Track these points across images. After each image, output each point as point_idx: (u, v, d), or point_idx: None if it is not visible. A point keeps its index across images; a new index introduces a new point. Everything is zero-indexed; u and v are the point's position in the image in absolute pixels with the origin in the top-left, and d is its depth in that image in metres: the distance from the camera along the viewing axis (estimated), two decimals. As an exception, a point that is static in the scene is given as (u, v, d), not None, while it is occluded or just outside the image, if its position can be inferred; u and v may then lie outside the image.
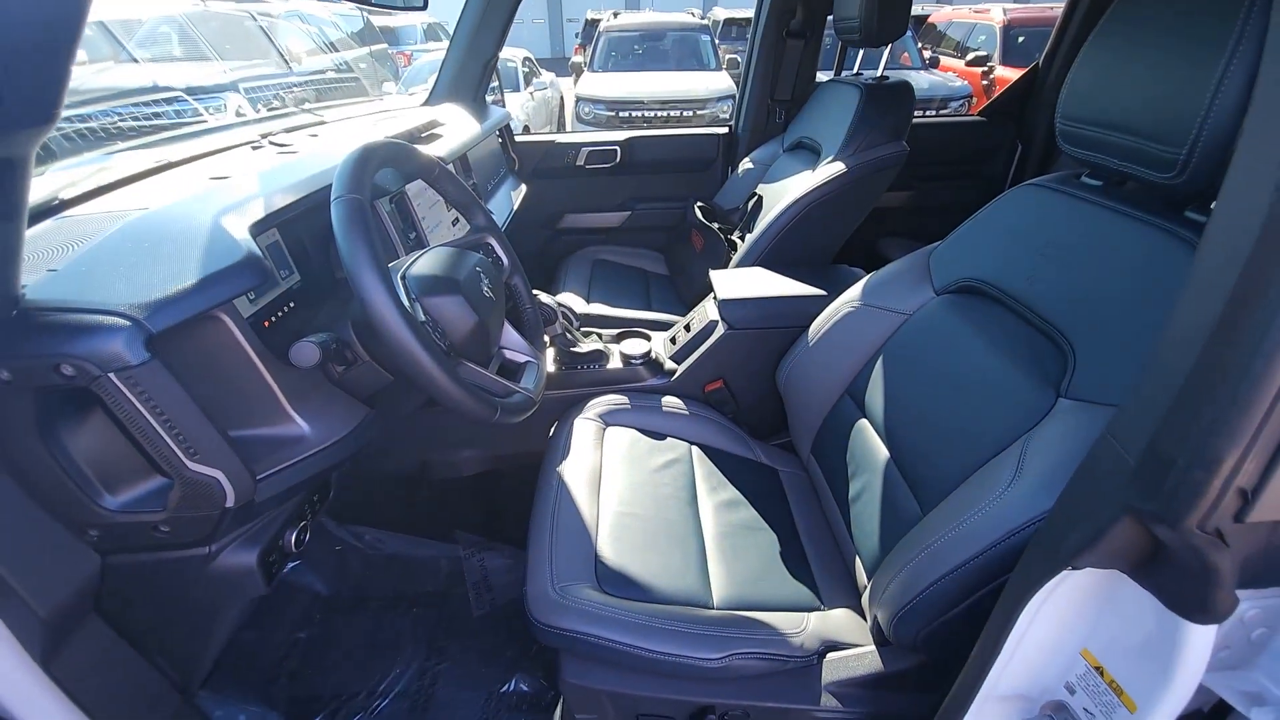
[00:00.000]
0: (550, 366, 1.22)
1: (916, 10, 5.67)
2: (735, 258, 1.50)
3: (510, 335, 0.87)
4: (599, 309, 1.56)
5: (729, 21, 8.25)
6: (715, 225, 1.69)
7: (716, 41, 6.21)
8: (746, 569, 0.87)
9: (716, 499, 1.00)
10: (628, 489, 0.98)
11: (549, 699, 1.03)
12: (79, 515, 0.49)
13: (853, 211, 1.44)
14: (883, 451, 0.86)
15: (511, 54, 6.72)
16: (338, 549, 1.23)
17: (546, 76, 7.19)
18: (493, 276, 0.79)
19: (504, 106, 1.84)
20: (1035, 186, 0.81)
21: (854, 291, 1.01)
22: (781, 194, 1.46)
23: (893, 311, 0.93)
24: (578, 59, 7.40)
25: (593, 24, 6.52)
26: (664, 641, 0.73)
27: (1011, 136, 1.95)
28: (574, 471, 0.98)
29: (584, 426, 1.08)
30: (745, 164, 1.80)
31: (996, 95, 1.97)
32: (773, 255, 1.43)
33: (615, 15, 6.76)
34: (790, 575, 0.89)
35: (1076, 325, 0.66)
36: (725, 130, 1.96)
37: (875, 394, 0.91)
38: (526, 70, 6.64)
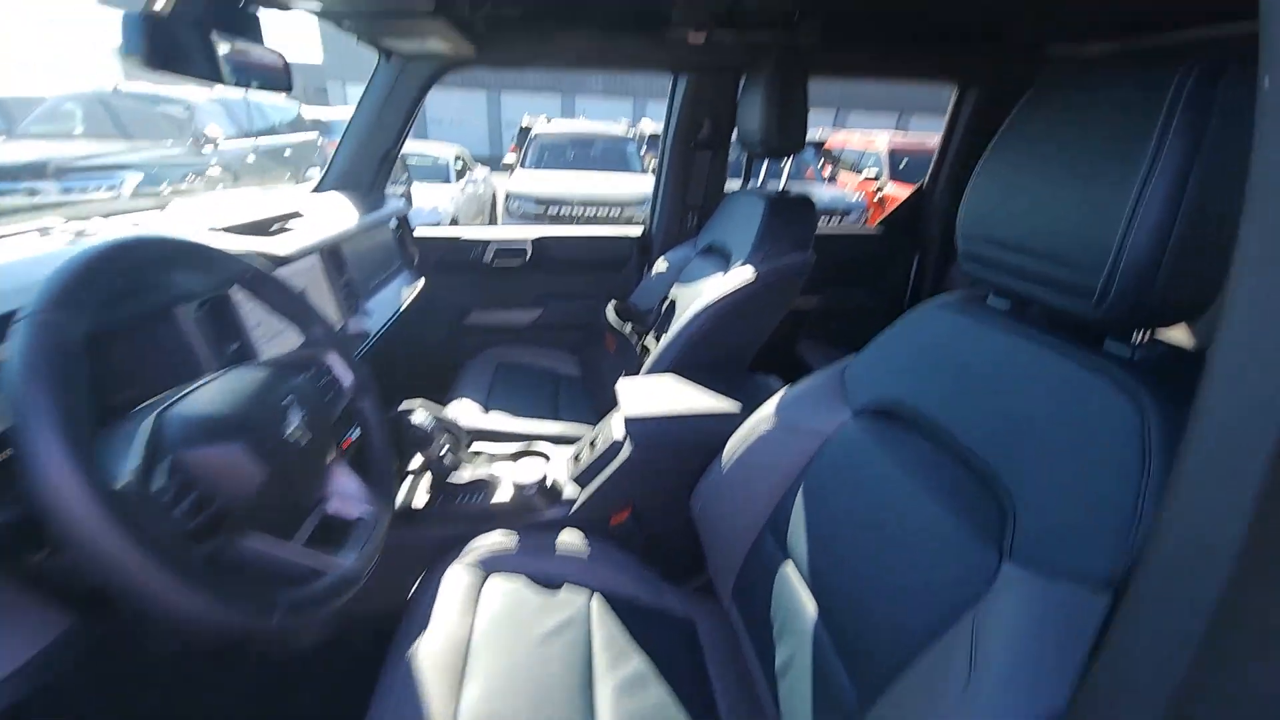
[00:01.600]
0: (420, 500, 1.02)
1: (814, 135, 6.42)
2: (647, 363, 1.40)
3: (343, 481, 0.67)
4: (496, 420, 1.39)
5: (654, 136, 8.97)
6: (630, 326, 1.60)
7: (643, 151, 6.64)
8: None
9: (618, 675, 0.80)
10: (502, 674, 0.76)
11: None
12: None
13: (765, 316, 1.40)
14: (810, 607, 0.71)
15: (445, 150, 6.88)
16: None
17: (480, 172, 7.37)
18: (314, 406, 0.61)
19: (408, 199, 1.73)
20: (941, 307, 0.75)
21: (769, 408, 0.91)
22: (695, 296, 1.40)
23: (810, 431, 0.83)
24: (511, 158, 7.68)
25: (526, 130, 6.85)
26: None
27: (907, 247, 2.06)
28: (432, 649, 0.76)
29: (457, 578, 0.87)
30: (660, 264, 1.76)
31: (891, 210, 2.10)
32: (686, 361, 1.34)
33: (549, 120, 7.15)
34: None
35: (1009, 468, 0.57)
36: (640, 232, 1.95)
37: (797, 531, 0.78)
38: (459, 166, 6.78)
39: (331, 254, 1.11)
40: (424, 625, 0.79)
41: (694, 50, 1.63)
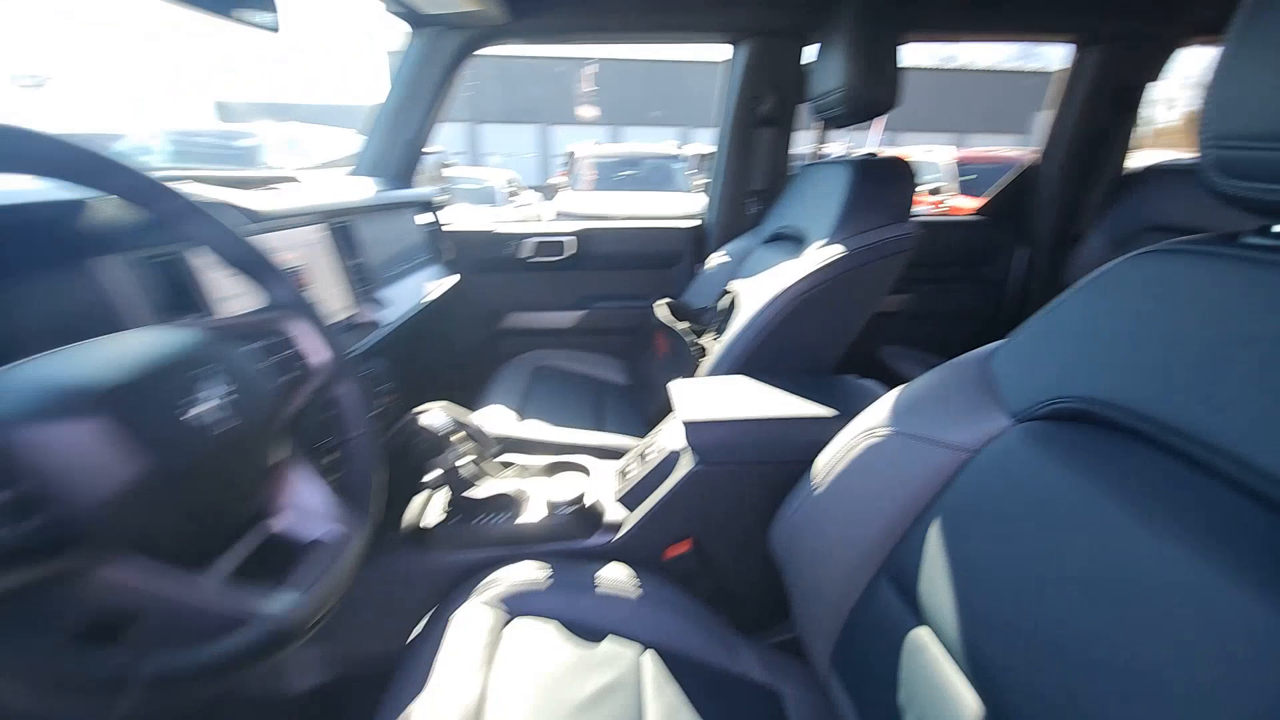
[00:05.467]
0: (433, 518, 0.82)
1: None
2: (705, 365, 1.17)
3: (305, 492, 0.48)
4: (531, 429, 1.19)
5: (704, 156, 8.90)
6: (684, 325, 1.39)
7: (691, 171, 6.54)
8: None
9: None
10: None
11: None
12: None
13: (854, 308, 1.15)
14: (970, 703, 0.46)
15: (496, 175, 7.02)
16: None
17: (529, 196, 7.48)
18: (248, 383, 0.43)
19: (432, 189, 1.61)
20: (1152, 258, 0.50)
21: (880, 412, 0.66)
22: (761, 288, 1.17)
23: (945, 444, 0.57)
24: (559, 180, 7.75)
25: (573, 154, 6.90)
26: None
27: (1011, 236, 1.76)
28: (434, 711, 0.55)
29: (472, 620, 0.68)
30: (717, 258, 1.55)
31: (995, 193, 1.82)
32: (754, 362, 1.11)
33: (596, 144, 7.17)
34: None
35: None
36: (694, 224, 1.74)
37: (935, 583, 0.52)
38: (510, 190, 6.89)
39: (341, 231, 0.96)
40: (425, 677, 0.60)
41: (755, 12, 1.44)
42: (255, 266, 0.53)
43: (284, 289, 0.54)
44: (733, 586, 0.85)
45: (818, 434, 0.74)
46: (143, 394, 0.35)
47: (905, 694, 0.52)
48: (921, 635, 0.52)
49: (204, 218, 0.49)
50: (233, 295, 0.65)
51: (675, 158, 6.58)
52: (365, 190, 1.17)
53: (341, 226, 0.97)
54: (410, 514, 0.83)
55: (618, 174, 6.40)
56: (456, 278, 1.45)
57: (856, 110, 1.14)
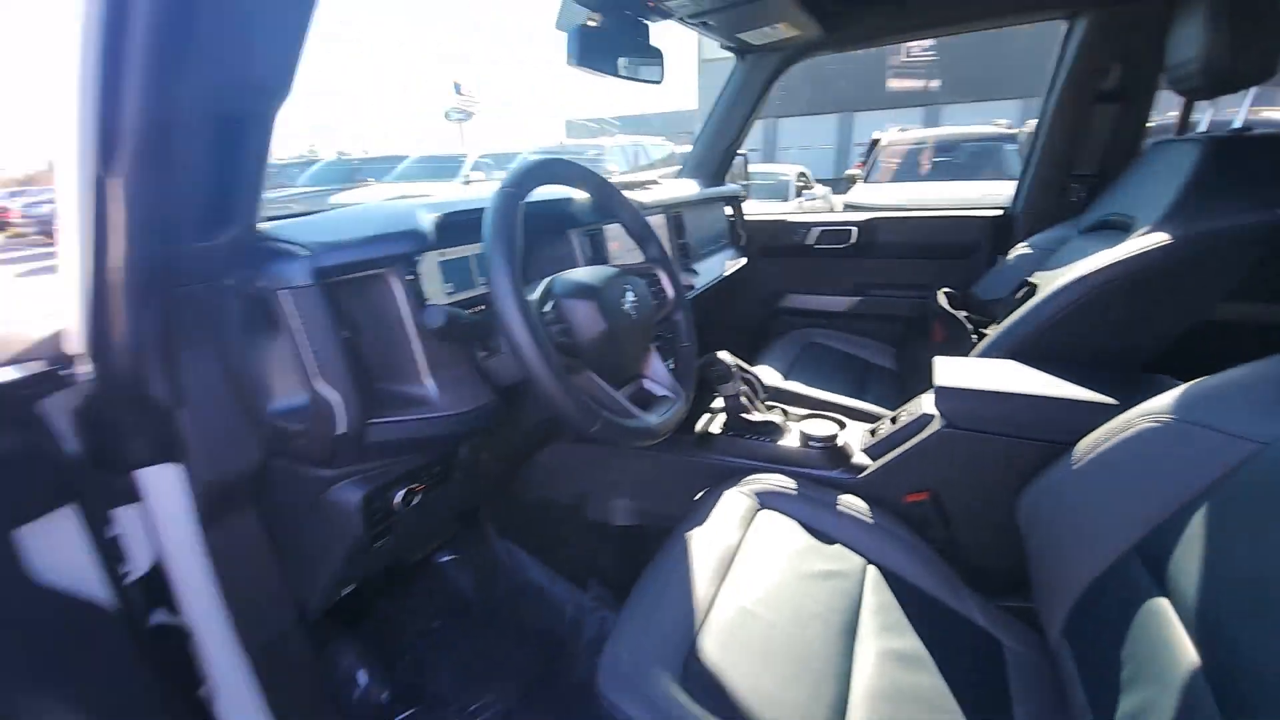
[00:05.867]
0: (715, 428, 1.11)
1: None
2: (979, 348, 1.18)
3: (657, 368, 0.81)
4: (796, 387, 1.39)
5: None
6: (964, 314, 1.38)
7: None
8: None
9: (886, 643, 0.73)
10: (763, 582, 0.78)
11: None
12: (252, 411, 0.58)
13: (1179, 304, 1.00)
14: (1187, 652, 0.50)
15: (788, 169, 7.20)
16: (491, 560, 1.27)
17: (819, 190, 7.44)
18: (642, 300, 0.76)
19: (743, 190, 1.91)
20: None
21: (1162, 400, 0.66)
22: (1062, 278, 1.11)
23: (1232, 435, 0.57)
24: (854, 172, 7.49)
25: (875, 142, 6.56)
26: None
27: None
28: (704, 543, 0.82)
29: (734, 500, 0.92)
30: (1020, 249, 1.46)
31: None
32: (1040, 350, 1.05)
33: (901, 130, 6.68)
34: None
35: None
36: (998, 212, 1.65)
37: (1189, 561, 0.54)
38: (801, 184, 6.99)
39: (675, 219, 1.33)
40: (699, 524, 0.86)
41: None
42: (644, 237, 0.87)
43: (657, 250, 0.87)
44: (965, 543, 0.92)
45: (1083, 418, 0.75)
46: (605, 293, 0.70)
47: (1134, 667, 0.56)
48: (1158, 604, 0.55)
49: (629, 207, 0.85)
50: (627, 251, 1.04)
51: (1007, 138, 5.63)
52: (690, 189, 1.53)
53: (676, 215, 1.33)
54: (700, 423, 1.14)
55: (929, 162, 5.85)
56: (744, 260, 1.73)
57: (1218, 80, 0.98)
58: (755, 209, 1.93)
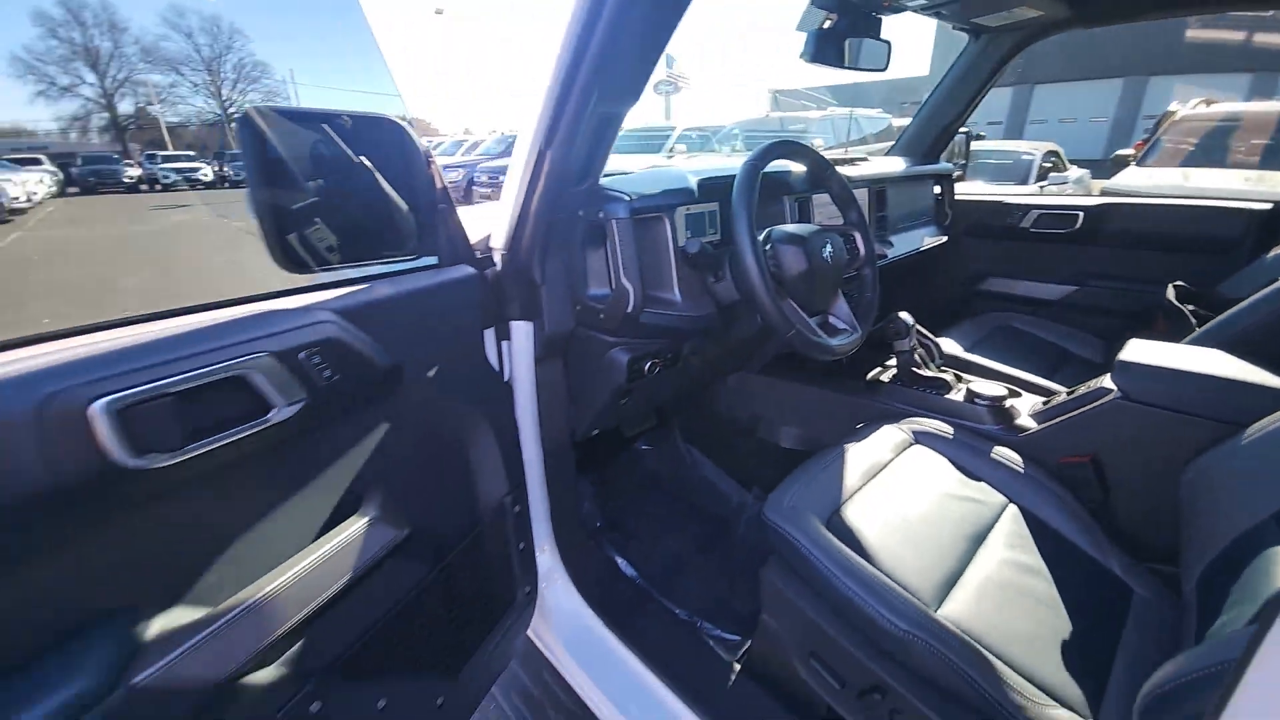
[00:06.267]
0: (885, 378, 1.28)
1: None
2: (1190, 336, 1.15)
3: (841, 307, 1.03)
4: (976, 359, 1.46)
5: None
6: (1190, 309, 1.30)
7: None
8: (1002, 619, 0.75)
9: (1011, 555, 0.86)
10: (904, 488, 0.95)
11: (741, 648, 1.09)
12: (577, 294, 0.95)
13: None
14: None
15: (1034, 147, 6.24)
16: (677, 454, 1.62)
17: (1074, 173, 6.34)
18: (838, 253, 0.98)
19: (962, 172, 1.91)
20: None
21: None
22: None
23: None
24: (1127, 153, 6.22)
25: (1168, 114, 5.35)
26: (863, 587, 0.75)
27: None
28: (858, 453, 1.03)
29: (891, 432, 1.09)
30: None
31: None
32: (1264, 342, 1.00)
33: (1207, 104, 5.34)
34: (1062, 664, 0.72)
35: None
36: (1267, 206, 1.45)
37: None
38: (1049, 165, 6.04)
39: (878, 194, 1.47)
40: (856, 439, 1.07)
41: None
42: (847, 204, 1.08)
43: (856, 215, 1.08)
44: (1120, 508, 0.98)
45: (1259, 401, 0.79)
46: (810, 242, 0.94)
47: (1239, 585, 0.66)
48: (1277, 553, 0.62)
49: (839, 180, 1.07)
50: (829, 217, 1.25)
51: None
52: (895, 166, 1.64)
53: (880, 190, 1.48)
54: (872, 373, 1.31)
55: (1241, 143, 4.66)
56: (944, 238, 1.77)
57: None
58: (977, 189, 1.88)
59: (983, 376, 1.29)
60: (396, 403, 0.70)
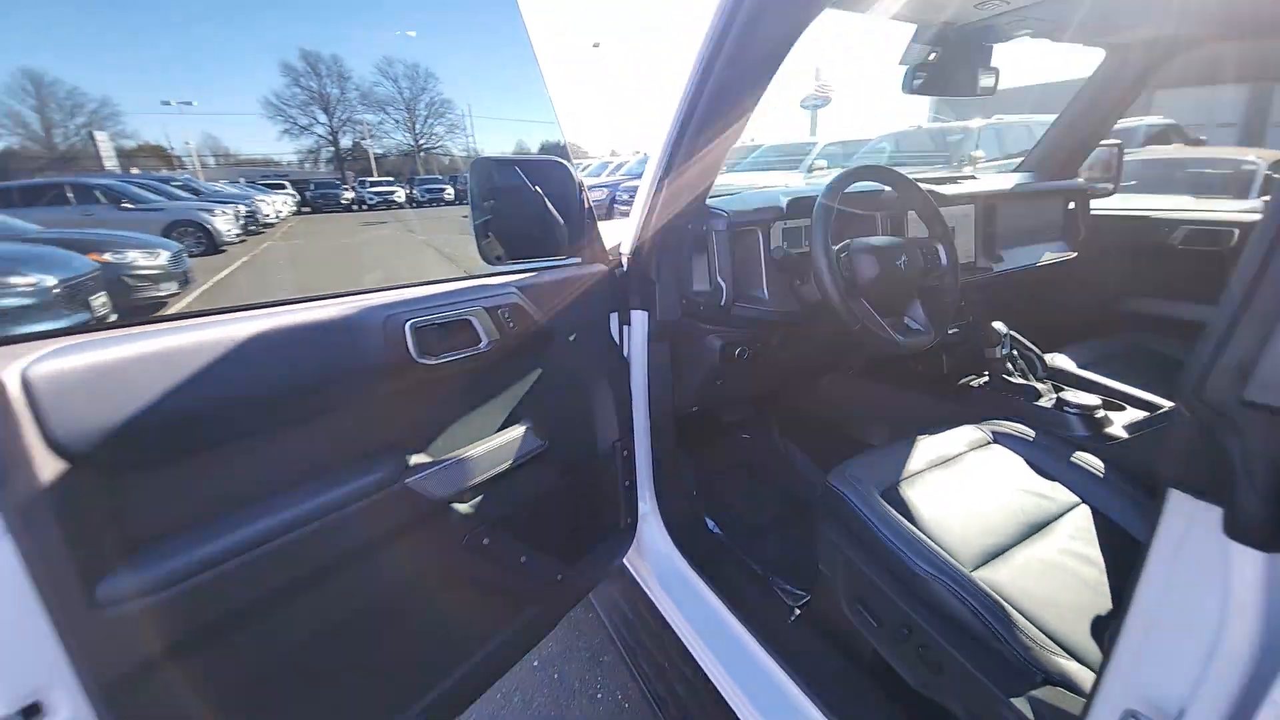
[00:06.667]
0: (975, 383, 1.34)
1: None
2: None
3: (916, 311, 1.15)
4: (1086, 374, 1.43)
5: None
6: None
7: None
8: (1039, 589, 0.81)
9: (1069, 545, 0.89)
10: (969, 475, 1.01)
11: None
12: (683, 289, 1.19)
13: None
14: None
15: (1260, 155, 5.21)
16: (769, 443, 1.79)
17: (1316, 183, 5.17)
18: (913, 261, 1.11)
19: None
20: None
21: None
22: None
23: None
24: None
25: None
26: (902, 540, 0.87)
27: None
28: (930, 443, 1.11)
29: (969, 431, 1.15)
30: None
31: None
32: None
33: None
34: (1090, 633, 0.79)
35: None
36: None
37: None
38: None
39: (988, 210, 1.52)
40: (928, 433, 1.16)
41: None
42: (931, 219, 1.20)
43: (940, 229, 1.19)
44: None
45: None
46: (883, 252, 1.09)
47: None
48: None
49: (922, 197, 1.19)
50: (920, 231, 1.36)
51: None
52: (1008, 182, 1.65)
53: (990, 206, 1.52)
54: (965, 379, 1.38)
55: None
56: (1071, 255, 1.71)
57: None
58: (1159, 205, 1.73)
59: (1085, 390, 1.29)
60: (548, 355, 1.00)
